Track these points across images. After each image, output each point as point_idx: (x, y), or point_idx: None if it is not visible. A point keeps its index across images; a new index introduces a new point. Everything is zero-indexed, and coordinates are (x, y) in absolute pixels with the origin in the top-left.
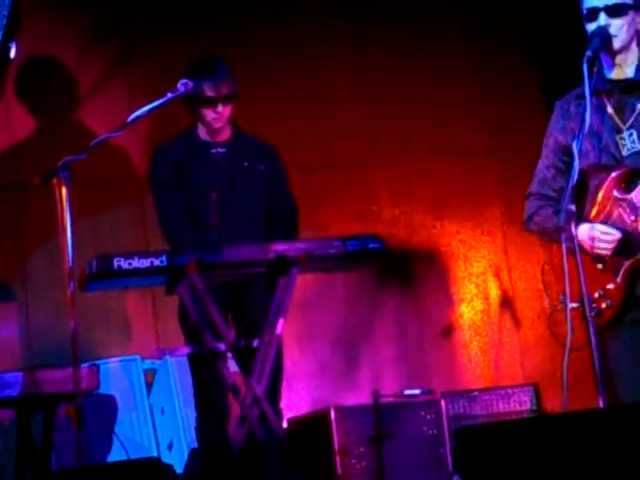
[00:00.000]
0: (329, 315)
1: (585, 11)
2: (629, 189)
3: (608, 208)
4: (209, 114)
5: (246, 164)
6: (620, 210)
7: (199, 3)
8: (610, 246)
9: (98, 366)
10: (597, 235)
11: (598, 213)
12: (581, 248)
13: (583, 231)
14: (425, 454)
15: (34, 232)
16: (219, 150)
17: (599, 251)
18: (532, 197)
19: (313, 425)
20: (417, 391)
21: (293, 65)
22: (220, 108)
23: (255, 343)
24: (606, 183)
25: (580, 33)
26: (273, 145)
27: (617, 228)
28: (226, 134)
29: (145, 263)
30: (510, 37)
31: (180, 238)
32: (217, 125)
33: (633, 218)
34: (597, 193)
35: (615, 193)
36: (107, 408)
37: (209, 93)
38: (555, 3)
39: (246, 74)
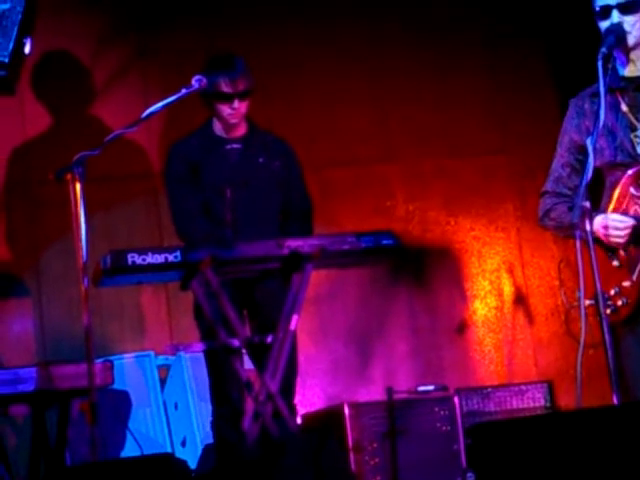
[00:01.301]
0: (343, 311)
1: (598, 9)
2: None
3: (625, 205)
4: (225, 110)
5: (261, 160)
6: (637, 207)
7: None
8: (623, 233)
9: (112, 362)
10: (610, 223)
11: (614, 210)
12: (597, 239)
13: (598, 221)
14: (439, 450)
15: (48, 228)
16: (234, 146)
17: (613, 239)
18: (547, 195)
19: (327, 421)
20: (431, 387)
21: (308, 63)
22: (236, 104)
23: (269, 339)
24: (623, 180)
25: (592, 30)
26: (288, 142)
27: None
28: (241, 130)
29: (159, 259)
30: (523, 35)
31: (196, 236)
32: (233, 121)
33: None
34: (613, 190)
35: (632, 190)
36: (121, 404)
37: (226, 89)
38: (566, 3)
39: (261, 71)
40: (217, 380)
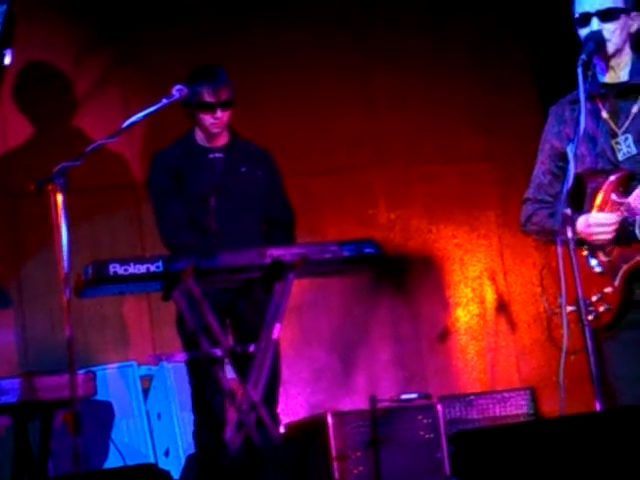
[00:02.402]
0: (325, 320)
1: (577, 16)
2: (627, 193)
3: (606, 211)
4: (207, 119)
5: (244, 169)
6: (619, 213)
7: (196, 10)
8: (610, 229)
9: (94, 372)
10: (593, 220)
11: None
12: (580, 242)
13: (581, 221)
14: (422, 459)
15: (30, 239)
16: (217, 155)
17: (599, 236)
18: (529, 202)
19: (310, 430)
20: (414, 395)
21: (292, 69)
22: (219, 113)
23: (251, 348)
24: (604, 187)
25: (573, 38)
26: (270, 151)
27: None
28: (223, 139)
29: (141, 269)
30: (506, 42)
31: (183, 245)
32: (215, 130)
33: (631, 221)
34: (595, 197)
35: (613, 197)
36: (104, 414)
37: (208, 98)
38: (550, 10)
39: (244, 78)
40: (199, 389)
